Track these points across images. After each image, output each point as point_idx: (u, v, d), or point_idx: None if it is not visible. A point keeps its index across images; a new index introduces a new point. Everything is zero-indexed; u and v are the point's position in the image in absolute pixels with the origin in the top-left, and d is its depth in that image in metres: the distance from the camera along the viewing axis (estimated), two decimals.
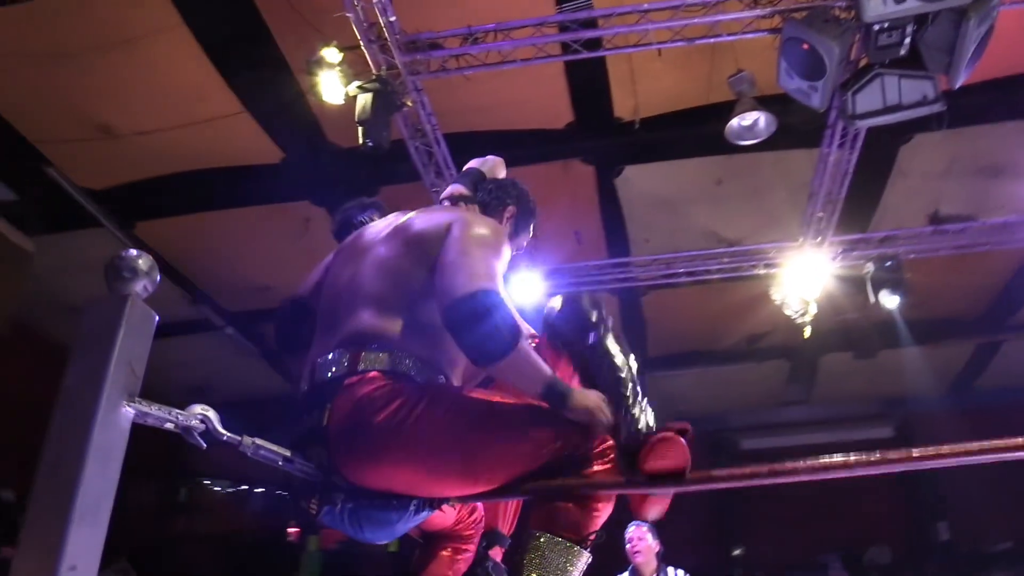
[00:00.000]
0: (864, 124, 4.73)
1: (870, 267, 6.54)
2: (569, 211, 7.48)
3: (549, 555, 1.56)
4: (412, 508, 1.59)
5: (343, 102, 4.82)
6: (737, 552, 10.91)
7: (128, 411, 1.26)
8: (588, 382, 1.73)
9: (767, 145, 5.93)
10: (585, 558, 1.59)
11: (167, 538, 10.00)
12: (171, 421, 1.30)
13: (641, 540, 3.75)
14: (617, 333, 1.80)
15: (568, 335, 1.80)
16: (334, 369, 1.59)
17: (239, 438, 1.39)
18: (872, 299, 6.53)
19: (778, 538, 10.71)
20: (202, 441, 1.33)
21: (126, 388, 1.26)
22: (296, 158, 6.67)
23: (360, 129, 4.79)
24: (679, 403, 11.14)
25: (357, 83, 4.62)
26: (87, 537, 1.16)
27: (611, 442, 1.62)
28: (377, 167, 6.31)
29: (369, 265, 1.74)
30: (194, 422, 1.32)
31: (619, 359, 1.73)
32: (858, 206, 7.04)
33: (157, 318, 1.33)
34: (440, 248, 1.65)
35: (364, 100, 4.64)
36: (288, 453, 1.51)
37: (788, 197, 7.04)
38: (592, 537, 1.59)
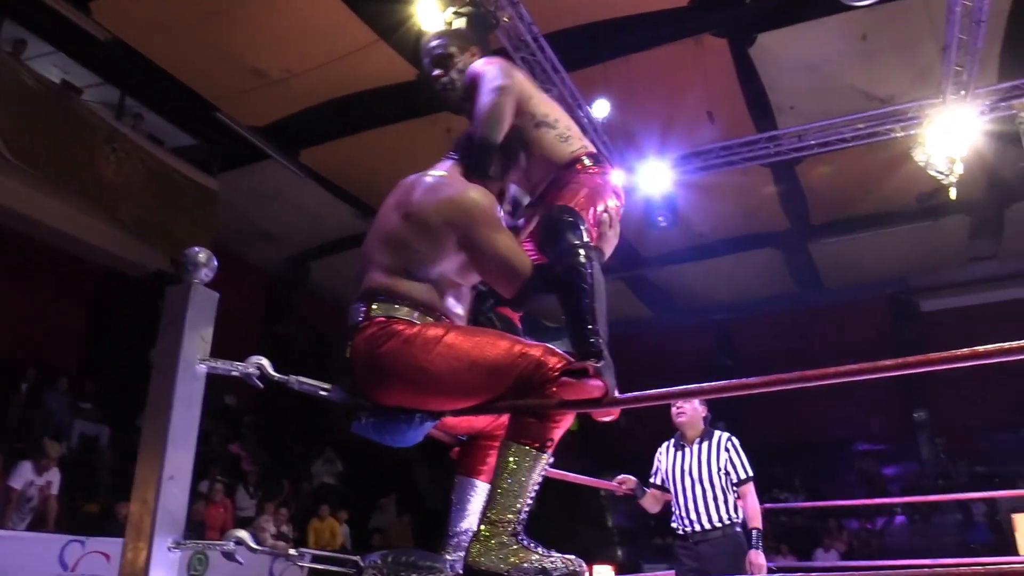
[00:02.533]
0: None
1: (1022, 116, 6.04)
2: (705, 91, 7.39)
3: (519, 460, 1.90)
4: (417, 419, 2.02)
5: (442, 28, 5.04)
6: (919, 415, 10.69)
7: (201, 367, 1.70)
8: (560, 297, 2.02)
9: None
10: (544, 460, 1.89)
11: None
12: (234, 371, 1.73)
13: (683, 406, 3.85)
14: (589, 254, 2.04)
15: (549, 254, 2.10)
16: (355, 316, 2.03)
17: (286, 378, 1.83)
18: None
19: (966, 401, 10.36)
20: (259, 383, 1.77)
21: (198, 351, 1.69)
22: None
23: None
24: (849, 269, 10.84)
25: (452, 8, 4.82)
26: (179, 456, 1.63)
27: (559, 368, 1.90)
28: None
29: (377, 234, 2.10)
30: (251, 369, 1.75)
31: (596, 295, 2.00)
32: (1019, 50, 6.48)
33: (217, 296, 1.75)
34: (445, 232, 2.01)
35: (460, 24, 4.84)
36: (323, 385, 1.96)
37: (940, 47, 6.57)
38: (550, 445, 1.90)
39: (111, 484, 7.26)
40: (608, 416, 2.03)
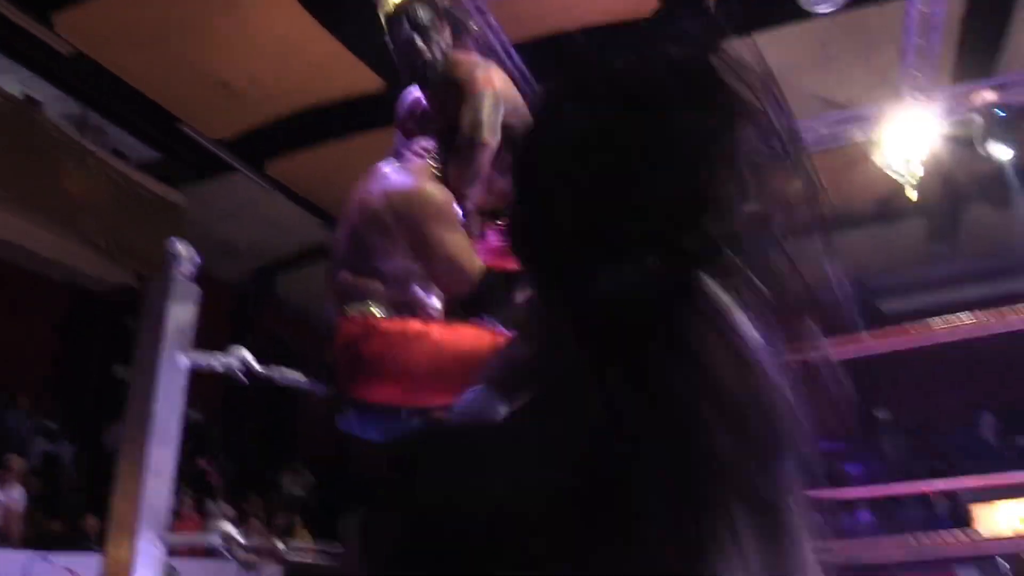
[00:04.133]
0: None
1: (982, 118, 6.23)
2: None
3: None
4: (403, 415, 2.03)
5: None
6: (881, 414, 10.88)
7: (184, 360, 1.71)
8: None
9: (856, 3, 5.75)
10: None
11: (342, 444, 11.14)
12: (217, 364, 1.75)
13: None
14: None
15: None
16: (331, 317, 2.06)
17: (270, 371, 1.85)
18: (986, 150, 6.25)
19: (927, 397, 10.59)
20: (244, 378, 1.79)
21: (179, 344, 1.71)
22: (397, 84, 7.05)
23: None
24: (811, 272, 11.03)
25: None
26: (162, 451, 1.64)
27: None
28: None
29: (342, 232, 2.13)
30: (234, 362, 1.77)
31: None
32: (976, 54, 6.68)
33: (199, 290, 1.77)
34: (397, 227, 2.02)
35: None
36: (307, 379, 1.98)
37: (897, 53, 6.76)
38: None
39: (75, 502, 7.16)
40: None
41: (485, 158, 2.18)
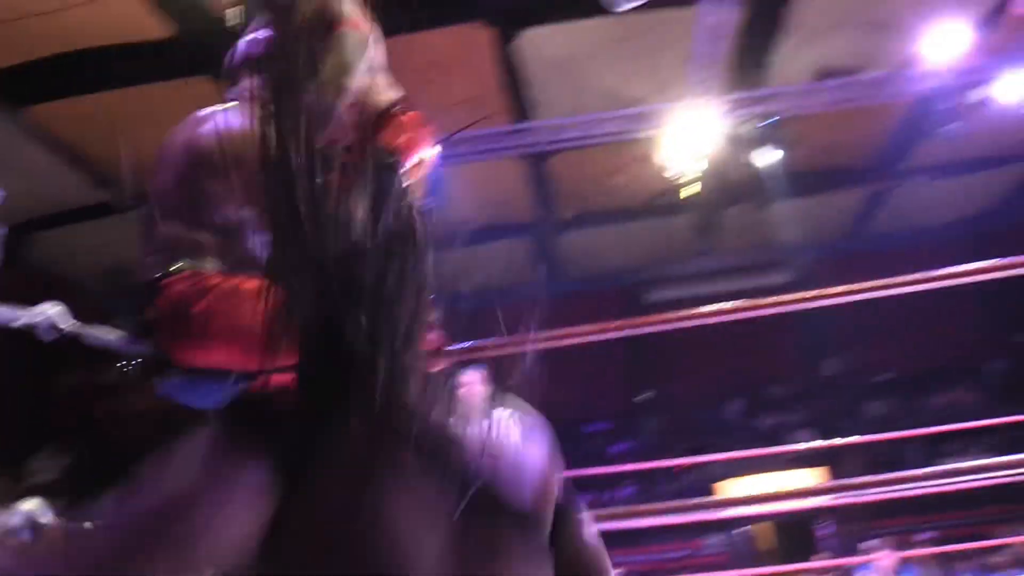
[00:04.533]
0: None
1: (753, 124, 6.87)
2: (468, 77, 7.57)
3: None
4: (231, 380, 1.91)
5: None
6: (645, 396, 11.71)
7: None
8: None
9: (654, 5, 6.07)
10: None
11: (101, 419, 10.25)
12: (16, 320, 1.52)
13: (472, 386, 4.03)
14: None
15: None
16: (152, 271, 1.83)
17: (79, 328, 1.65)
18: (755, 155, 6.90)
19: (685, 382, 11.52)
20: (48, 335, 1.58)
21: None
22: (189, 32, 6.56)
23: (241, 9, 4.77)
24: (591, 261, 11.62)
25: None
26: None
27: None
28: None
29: (166, 177, 1.91)
30: (39, 319, 1.55)
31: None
32: (749, 64, 7.30)
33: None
34: (236, 180, 1.84)
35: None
36: (125, 338, 1.78)
37: (684, 57, 7.23)
38: None
39: None
40: None
41: (343, 103, 2.10)
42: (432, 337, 1.82)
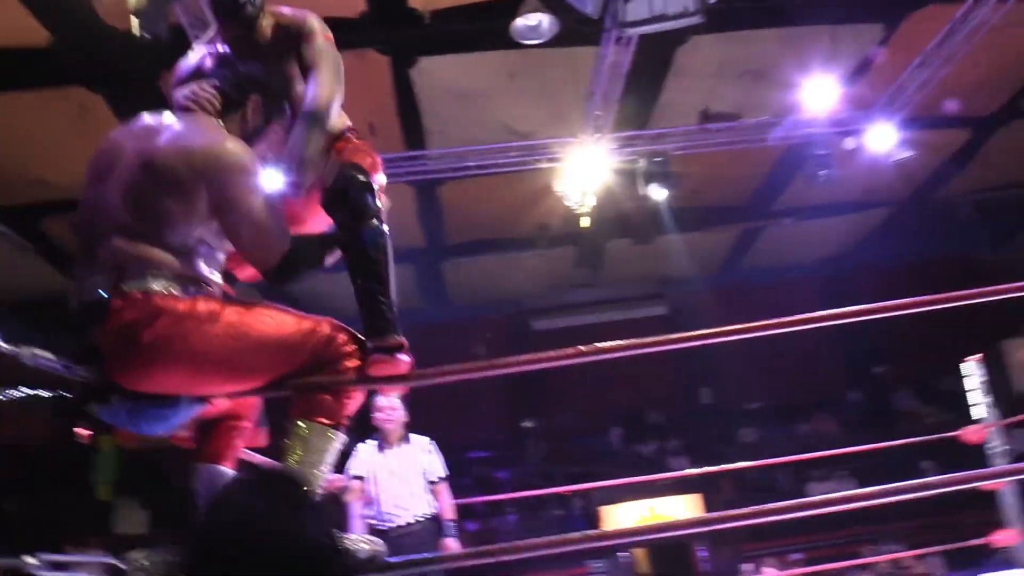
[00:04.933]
0: (634, 32, 5.13)
1: (642, 162, 7.14)
2: (364, 103, 7.52)
3: (309, 438, 1.80)
4: (184, 403, 1.82)
5: None
6: (527, 424, 11.83)
7: None
8: (355, 265, 1.95)
9: (555, 43, 6.23)
10: (341, 439, 1.84)
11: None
12: None
13: (394, 410, 4.08)
14: (384, 222, 2.00)
15: (341, 216, 1.99)
16: (99, 291, 1.73)
17: (16, 349, 1.54)
18: (643, 191, 7.17)
19: (567, 409, 11.70)
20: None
21: None
22: (67, 40, 6.24)
23: (134, 20, 4.58)
24: (476, 288, 11.69)
25: None
26: None
27: (352, 346, 1.86)
28: (159, 53, 6.05)
29: (114, 189, 1.81)
30: None
31: (390, 265, 1.98)
32: (638, 103, 7.57)
33: None
34: (196, 188, 1.79)
35: None
36: (63, 362, 1.67)
37: (577, 94, 7.44)
38: (345, 421, 1.85)
39: None
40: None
41: (323, 136, 2.06)
42: (401, 363, 1.80)
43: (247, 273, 2.11)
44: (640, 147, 7.47)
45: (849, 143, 7.46)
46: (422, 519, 3.96)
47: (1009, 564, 7.00)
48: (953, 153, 9.48)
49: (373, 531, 3.83)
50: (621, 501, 10.17)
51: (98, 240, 1.78)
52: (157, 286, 1.74)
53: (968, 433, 4.61)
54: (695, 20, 4.91)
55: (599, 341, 2.31)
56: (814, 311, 2.27)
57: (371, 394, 3.62)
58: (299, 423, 1.80)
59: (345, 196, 1.98)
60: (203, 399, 1.84)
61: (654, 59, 7.10)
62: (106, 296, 1.73)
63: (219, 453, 2.10)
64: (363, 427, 3.99)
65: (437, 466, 4.14)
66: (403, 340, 1.88)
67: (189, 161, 1.79)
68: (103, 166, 1.86)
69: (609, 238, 10.39)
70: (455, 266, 11.03)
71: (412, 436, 4.14)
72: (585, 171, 7.30)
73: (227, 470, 2.09)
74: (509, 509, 10.20)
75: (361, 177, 2.00)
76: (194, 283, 1.79)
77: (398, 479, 3.98)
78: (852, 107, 7.54)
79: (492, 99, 7.80)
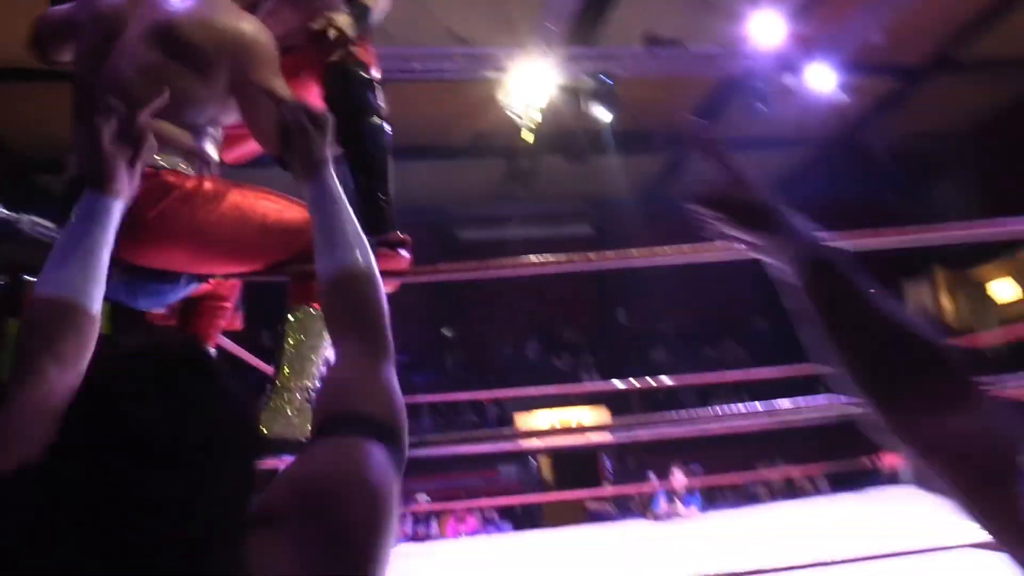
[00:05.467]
0: None
1: (589, 81, 7.14)
2: None
3: (306, 324, 1.84)
4: (182, 282, 1.84)
5: None
6: (446, 332, 11.99)
7: None
8: (355, 158, 1.95)
9: None
10: None
11: None
12: None
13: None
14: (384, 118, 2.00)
15: (343, 109, 1.96)
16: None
17: (17, 215, 1.53)
18: (587, 110, 7.19)
19: (486, 320, 11.89)
20: None
21: None
22: None
23: None
24: (406, 194, 11.60)
25: None
26: None
27: None
28: None
29: (126, 59, 1.74)
30: None
31: (389, 162, 1.98)
32: (588, 22, 7.54)
33: None
34: (219, 67, 1.74)
35: None
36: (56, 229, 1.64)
37: (529, 4, 7.33)
38: None
39: None
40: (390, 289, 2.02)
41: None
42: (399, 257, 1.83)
43: (234, 155, 2.09)
44: (586, 65, 7.45)
45: (788, 80, 7.62)
46: None
47: (894, 483, 7.66)
48: (880, 99, 9.82)
49: None
50: (534, 409, 10.51)
51: (103, 113, 1.73)
52: (167, 163, 1.72)
53: None
54: None
55: (525, 255, 2.37)
56: None
57: None
58: (296, 310, 1.83)
59: (347, 92, 1.96)
60: (201, 278, 1.85)
61: None
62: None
63: (201, 332, 2.12)
64: None
65: None
66: (406, 236, 1.91)
67: (214, 38, 1.73)
68: (103, 30, 1.77)
69: (544, 153, 10.43)
70: None
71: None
72: (531, 84, 7.26)
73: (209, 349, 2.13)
74: (425, 413, 10.41)
75: (363, 73, 1.99)
76: (202, 161, 1.78)
77: None
78: (795, 45, 7.68)
79: (442, 2, 7.63)
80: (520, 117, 7.27)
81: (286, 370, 1.81)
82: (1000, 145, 10.83)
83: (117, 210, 1.19)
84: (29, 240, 1.67)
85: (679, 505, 5.85)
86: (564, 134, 8.86)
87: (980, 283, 11.29)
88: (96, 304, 1.12)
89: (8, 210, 1.55)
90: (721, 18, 7.68)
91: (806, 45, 7.68)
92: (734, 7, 7.51)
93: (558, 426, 10.11)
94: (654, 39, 7.94)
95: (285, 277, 1.90)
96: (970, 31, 8.73)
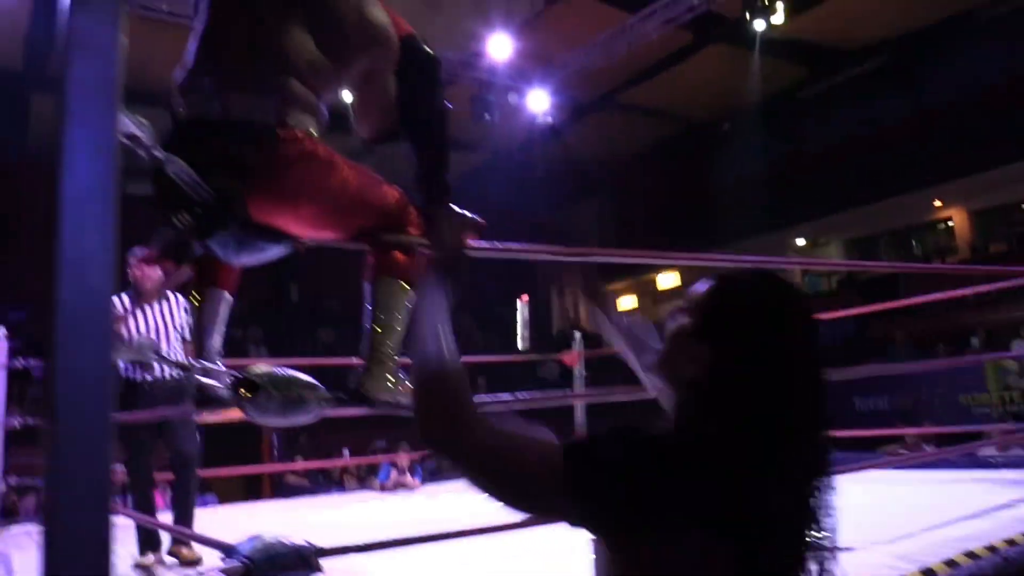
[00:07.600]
0: None
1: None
2: None
3: (392, 294, 1.90)
4: (284, 243, 1.84)
5: None
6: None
7: None
8: (424, 137, 2.07)
9: None
10: (411, 296, 1.90)
11: None
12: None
13: (153, 269, 3.73)
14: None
15: (421, 94, 2.04)
16: (266, 114, 1.71)
17: (168, 156, 1.54)
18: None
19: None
20: (147, 154, 1.48)
21: None
22: None
23: None
24: None
25: None
26: None
27: (415, 213, 2.01)
28: None
29: (278, 32, 1.78)
30: (133, 130, 1.44)
31: (448, 139, 2.13)
32: None
33: None
34: (359, 57, 1.88)
35: None
36: (196, 180, 1.60)
37: None
38: (415, 281, 1.88)
39: None
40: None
41: None
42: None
43: None
44: None
45: (516, 97, 8.32)
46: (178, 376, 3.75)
47: None
48: (556, 124, 11.05)
49: (126, 383, 3.58)
50: None
51: (253, 59, 1.73)
52: (314, 129, 1.78)
53: (565, 357, 5.57)
54: None
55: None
56: None
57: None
58: (381, 282, 1.90)
59: (422, 67, 2.06)
60: (295, 240, 1.85)
61: None
62: (271, 122, 1.71)
63: (227, 281, 2.11)
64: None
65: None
66: (483, 221, 2.02)
67: (366, 26, 1.86)
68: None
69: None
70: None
71: (170, 294, 3.85)
72: None
73: (227, 294, 2.11)
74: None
75: (430, 51, 2.10)
76: (321, 128, 1.83)
77: (152, 334, 3.71)
78: (525, 63, 8.24)
79: None
80: None
81: (384, 338, 1.88)
82: (636, 180, 12.85)
83: None
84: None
85: (408, 476, 6.15)
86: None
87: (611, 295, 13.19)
88: None
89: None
90: (453, 26, 8.15)
91: (535, 66, 8.41)
92: (466, 15, 8.03)
93: None
94: None
95: (365, 247, 1.94)
96: (634, 79, 10.28)
